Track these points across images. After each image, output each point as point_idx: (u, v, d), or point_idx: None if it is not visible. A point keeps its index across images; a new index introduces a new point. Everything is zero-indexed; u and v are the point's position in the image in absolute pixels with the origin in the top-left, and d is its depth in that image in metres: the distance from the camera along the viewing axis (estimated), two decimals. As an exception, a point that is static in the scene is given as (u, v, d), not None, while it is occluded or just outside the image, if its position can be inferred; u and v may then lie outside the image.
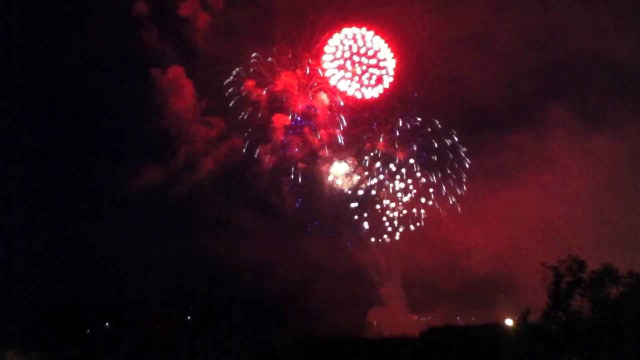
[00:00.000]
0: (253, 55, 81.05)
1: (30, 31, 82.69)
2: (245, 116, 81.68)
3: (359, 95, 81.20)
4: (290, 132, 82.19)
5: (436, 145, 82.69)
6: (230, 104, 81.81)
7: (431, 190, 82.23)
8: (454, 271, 79.19)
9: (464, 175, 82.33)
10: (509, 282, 74.67)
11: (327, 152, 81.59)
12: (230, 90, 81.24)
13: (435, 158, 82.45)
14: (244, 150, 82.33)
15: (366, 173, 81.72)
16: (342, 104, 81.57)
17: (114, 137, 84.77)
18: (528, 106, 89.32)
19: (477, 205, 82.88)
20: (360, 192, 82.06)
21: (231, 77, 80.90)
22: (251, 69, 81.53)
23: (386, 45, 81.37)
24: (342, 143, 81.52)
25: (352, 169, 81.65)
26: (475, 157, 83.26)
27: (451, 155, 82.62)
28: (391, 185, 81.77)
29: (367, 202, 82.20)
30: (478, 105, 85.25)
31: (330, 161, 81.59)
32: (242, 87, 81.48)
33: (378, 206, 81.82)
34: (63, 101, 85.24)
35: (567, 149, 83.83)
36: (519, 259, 74.84)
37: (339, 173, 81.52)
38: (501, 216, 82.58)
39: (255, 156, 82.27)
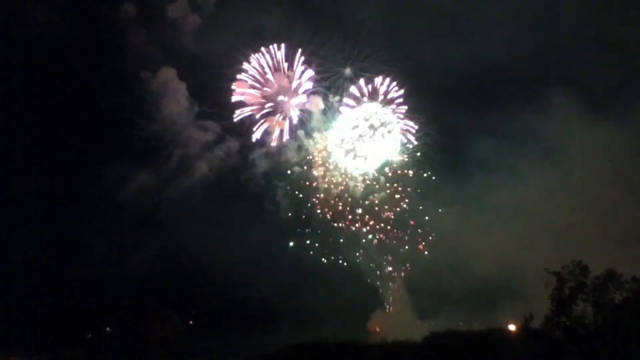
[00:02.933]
0: (244, 57, 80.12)
1: (17, 36, 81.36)
2: (239, 120, 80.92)
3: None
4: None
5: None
6: (224, 108, 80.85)
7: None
8: (456, 275, 78.59)
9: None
10: (512, 287, 73.92)
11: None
12: (223, 93, 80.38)
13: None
14: (238, 154, 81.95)
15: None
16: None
17: (111, 141, 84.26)
18: (526, 91, 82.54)
19: (478, 205, 79.48)
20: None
21: (223, 80, 79.82)
22: (243, 72, 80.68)
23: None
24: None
25: None
26: (473, 148, 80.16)
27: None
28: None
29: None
30: (473, 91, 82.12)
31: None
32: (235, 91, 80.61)
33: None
34: (54, 105, 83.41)
35: (569, 139, 77.83)
36: (522, 262, 73.42)
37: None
38: (503, 217, 79.39)
39: (250, 160, 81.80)
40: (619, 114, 76.70)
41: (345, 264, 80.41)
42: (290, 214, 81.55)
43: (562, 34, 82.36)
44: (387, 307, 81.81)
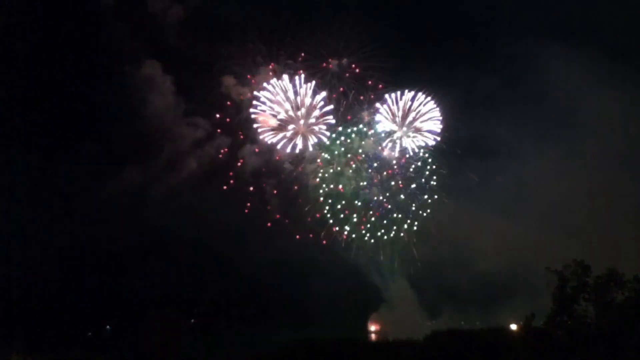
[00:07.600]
0: (229, 53, 79.68)
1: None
2: (228, 116, 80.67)
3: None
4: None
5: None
6: (212, 104, 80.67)
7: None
8: (458, 273, 78.35)
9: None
10: (514, 286, 73.66)
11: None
12: (210, 89, 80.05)
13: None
14: (229, 151, 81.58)
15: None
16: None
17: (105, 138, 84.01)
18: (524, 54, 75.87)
19: (478, 197, 77.73)
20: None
21: (210, 76, 79.40)
22: (229, 67, 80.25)
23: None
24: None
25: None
26: (468, 129, 77.91)
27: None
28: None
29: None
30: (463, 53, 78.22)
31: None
32: (222, 87, 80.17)
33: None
34: (37, 101, 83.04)
35: (573, 112, 70.39)
36: (525, 261, 72.71)
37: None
38: (504, 211, 77.34)
39: (240, 157, 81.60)
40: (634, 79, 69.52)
41: (345, 262, 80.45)
42: (285, 212, 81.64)
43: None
44: (388, 305, 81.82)
